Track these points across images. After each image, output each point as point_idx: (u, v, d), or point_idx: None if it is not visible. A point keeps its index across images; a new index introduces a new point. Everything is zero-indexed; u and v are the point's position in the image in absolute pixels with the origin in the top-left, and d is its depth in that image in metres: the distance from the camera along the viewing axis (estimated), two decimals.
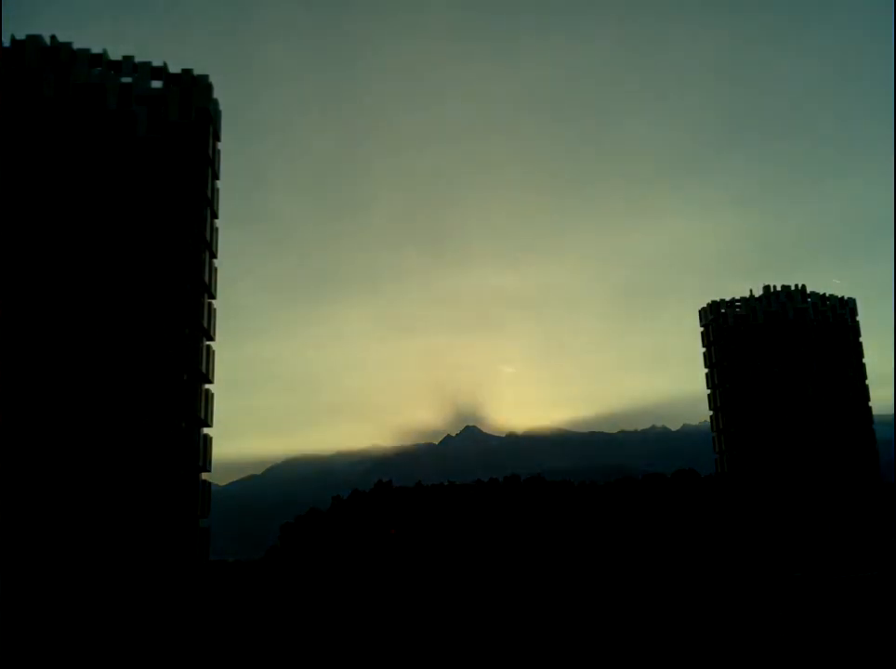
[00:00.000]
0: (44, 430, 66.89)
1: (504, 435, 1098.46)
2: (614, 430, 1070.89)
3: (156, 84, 75.09)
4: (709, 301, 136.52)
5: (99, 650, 61.36)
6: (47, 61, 73.53)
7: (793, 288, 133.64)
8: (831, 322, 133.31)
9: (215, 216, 75.62)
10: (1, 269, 69.20)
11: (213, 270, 74.91)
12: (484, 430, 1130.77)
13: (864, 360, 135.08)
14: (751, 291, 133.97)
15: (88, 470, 66.70)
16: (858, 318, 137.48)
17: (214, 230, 75.58)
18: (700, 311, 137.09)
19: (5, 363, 67.45)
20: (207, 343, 73.27)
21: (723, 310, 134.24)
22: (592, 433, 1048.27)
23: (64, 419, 67.47)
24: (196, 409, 69.92)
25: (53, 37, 74.92)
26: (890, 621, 53.14)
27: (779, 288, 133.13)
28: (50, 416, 67.24)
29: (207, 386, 72.76)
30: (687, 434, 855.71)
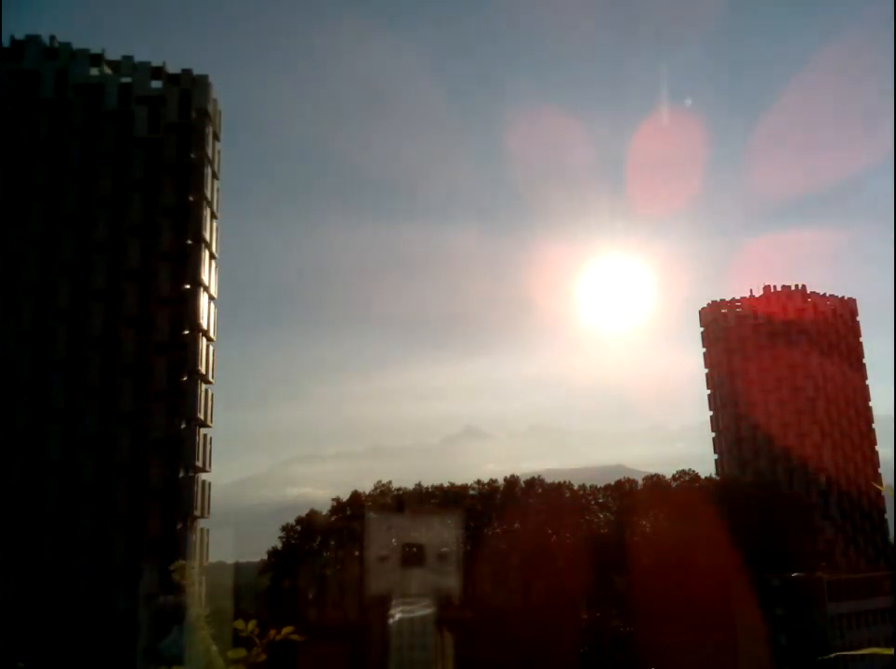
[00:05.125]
0: (42, 430, 66.82)
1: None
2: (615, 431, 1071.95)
3: (156, 83, 75.03)
4: (709, 301, 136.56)
5: (94, 650, 61.26)
6: (47, 61, 73.47)
7: (793, 288, 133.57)
8: (831, 322, 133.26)
9: (214, 216, 75.56)
10: (2, 268, 69.14)
11: (213, 270, 74.85)
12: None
13: (864, 361, 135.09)
14: (751, 291, 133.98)
15: (87, 470, 66.66)
16: (858, 318, 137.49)
17: (214, 230, 75.51)
18: (700, 311, 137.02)
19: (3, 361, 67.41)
20: (207, 343, 73.16)
21: (723, 310, 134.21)
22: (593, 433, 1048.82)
23: (64, 419, 67.42)
24: (196, 409, 69.78)
25: (53, 37, 74.89)
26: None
27: (779, 288, 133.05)
28: (49, 416, 67.17)
29: (207, 386, 72.65)
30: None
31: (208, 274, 73.15)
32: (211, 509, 71.94)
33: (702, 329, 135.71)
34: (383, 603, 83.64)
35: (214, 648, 5.69)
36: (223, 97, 79.22)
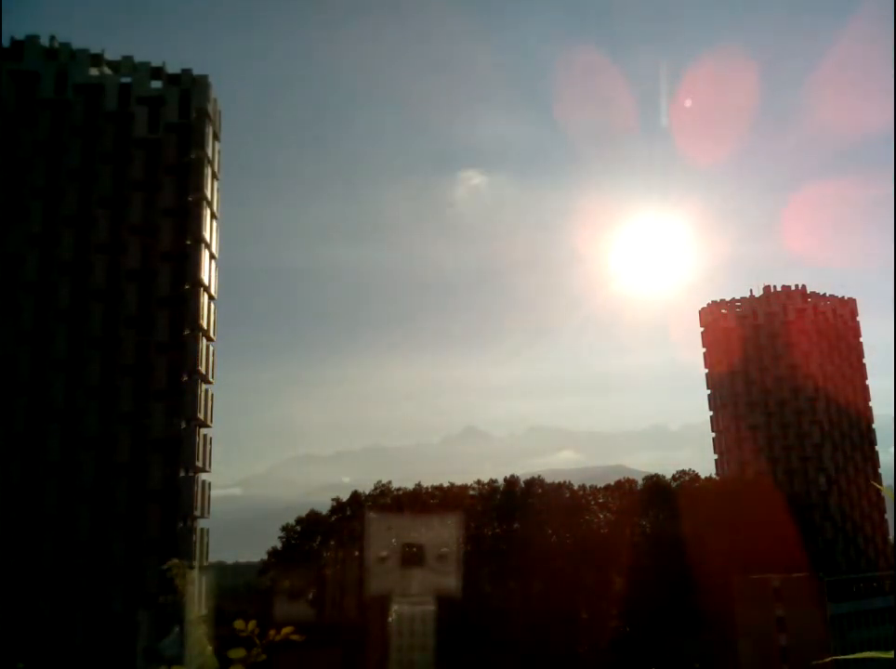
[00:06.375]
0: (42, 430, 66.81)
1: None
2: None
3: (156, 84, 74.97)
4: (709, 301, 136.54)
5: (94, 650, 61.25)
6: (47, 61, 73.41)
7: (793, 288, 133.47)
8: (831, 323, 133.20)
9: (214, 216, 75.53)
10: (2, 268, 69.12)
11: (213, 269, 74.79)
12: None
13: (864, 361, 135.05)
14: (751, 291, 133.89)
15: (87, 470, 66.64)
16: (858, 318, 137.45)
17: (214, 230, 75.46)
18: (700, 311, 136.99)
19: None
20: (207, 343, 73.09)
21: (723, 311, 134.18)
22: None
23: (64, 419, 67.40)
24: (196, 409, 69.68)
25: (53, 37, 74.84)
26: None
27: (779, 288, 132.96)
28: (49, 416, 67.15)
29: (207, 386, 72.59)
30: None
31: (208, 273, 73.09)
32: (211, 509, 71.93)
33: (702, 329, 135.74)
34: (383, 603, 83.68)
35: (209, 648, 5.68)
36: (223, 97, 79.15)
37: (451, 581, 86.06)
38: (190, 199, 72.30)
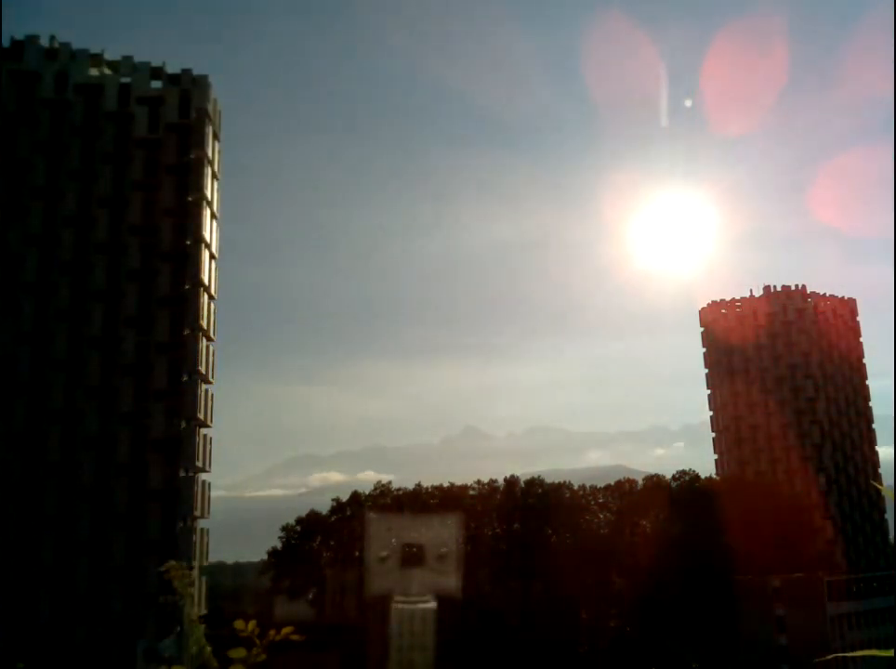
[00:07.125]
0: (42, 430, 66.83)
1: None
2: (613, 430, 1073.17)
3: (156, 84, 74.99)
4: (709, 301, 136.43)
5: (94, 650, 61.28)
6: (47, 61, 73.41)
7: (793, 288, 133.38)
8: (831, 322, 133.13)
9: (214, 216, 75.55)
10: (2, 268, 69.15)
11: (213, 270, 74.80)
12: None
13: (865, 361, 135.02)
14: (751, 291, 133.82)
15: (87, 470, 66.65)
16: (858, 318, 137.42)
17: (214, 230, 75.48)
18: (700, 311, 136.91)
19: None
20: (207, 343, 73.11)
21: (723, 311, 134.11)
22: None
23: (64, 419, 67.42)
24: (196, 409, 69.70)
25: (53, 37, 74.84)
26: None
27: (779, 288, 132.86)
28: (49, 416, 67.17)
29: (207, 386, 72.61)
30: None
31: (208, 273, 73.11)
32: (211, 509, 71.93)
33: (702, 329, 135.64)
34: (383, 603, 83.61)
35: (208, 648, 5.67)
36: (223, 97, 79.19)
37: (451, 581, 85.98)
38: (190, 199, 72.33)
